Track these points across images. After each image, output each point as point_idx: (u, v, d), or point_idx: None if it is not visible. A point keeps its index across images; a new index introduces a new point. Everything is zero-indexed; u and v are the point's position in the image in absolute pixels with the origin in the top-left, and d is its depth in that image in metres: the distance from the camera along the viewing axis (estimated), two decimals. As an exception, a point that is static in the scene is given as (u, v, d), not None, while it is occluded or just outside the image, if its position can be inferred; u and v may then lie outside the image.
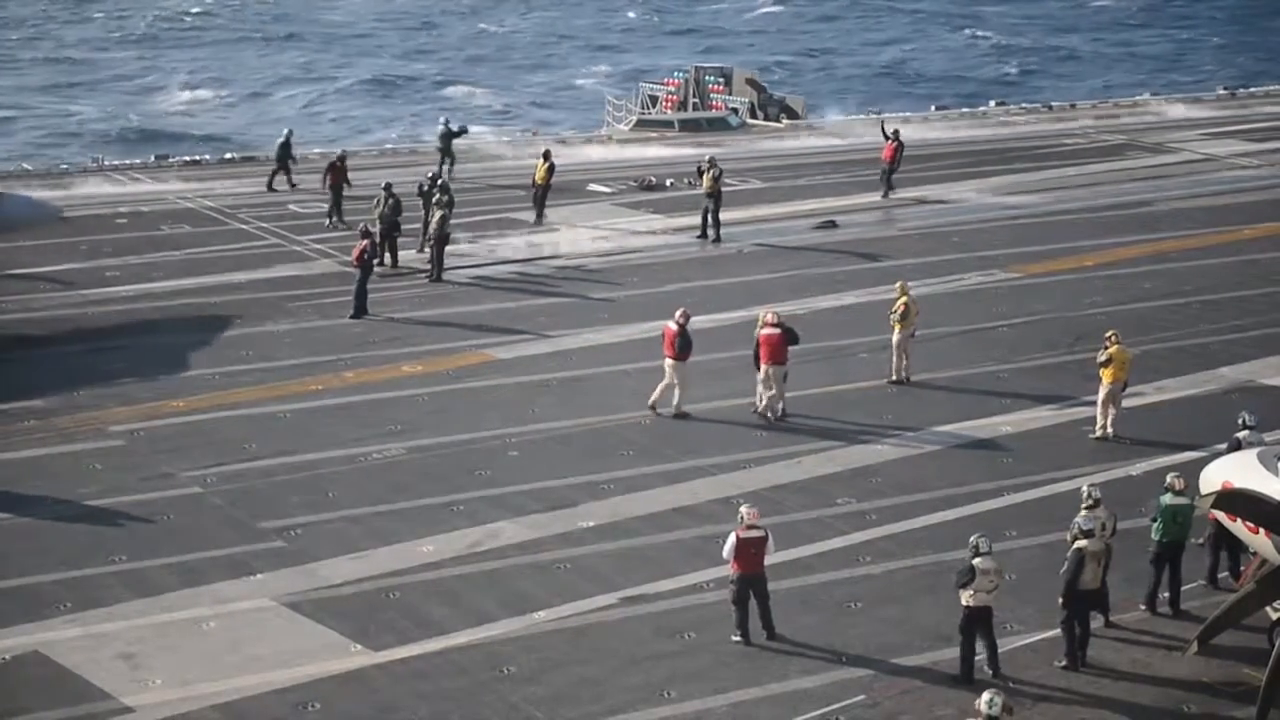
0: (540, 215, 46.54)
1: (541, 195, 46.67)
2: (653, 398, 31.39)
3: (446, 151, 51.33)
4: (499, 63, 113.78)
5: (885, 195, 51.06)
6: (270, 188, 48.86)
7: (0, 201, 39.19)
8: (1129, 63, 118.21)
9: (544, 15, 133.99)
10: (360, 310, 37.23)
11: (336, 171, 45.40)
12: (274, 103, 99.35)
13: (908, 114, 68.84)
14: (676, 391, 31.32)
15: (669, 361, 31.35)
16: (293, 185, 48.97)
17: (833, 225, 46.62)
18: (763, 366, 31.16)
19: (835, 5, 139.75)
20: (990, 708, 18.39)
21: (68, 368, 33.63)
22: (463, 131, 53.13)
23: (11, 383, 32.43)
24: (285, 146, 49.57)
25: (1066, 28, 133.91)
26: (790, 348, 31.38)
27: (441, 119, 54.90)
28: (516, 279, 41.22)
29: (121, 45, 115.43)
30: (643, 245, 44.68)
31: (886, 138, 51.62)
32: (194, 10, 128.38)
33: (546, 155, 47.12)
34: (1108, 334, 31.18)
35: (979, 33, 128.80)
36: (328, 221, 44.89)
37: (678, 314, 31.54)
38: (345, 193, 45.01)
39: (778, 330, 31.07)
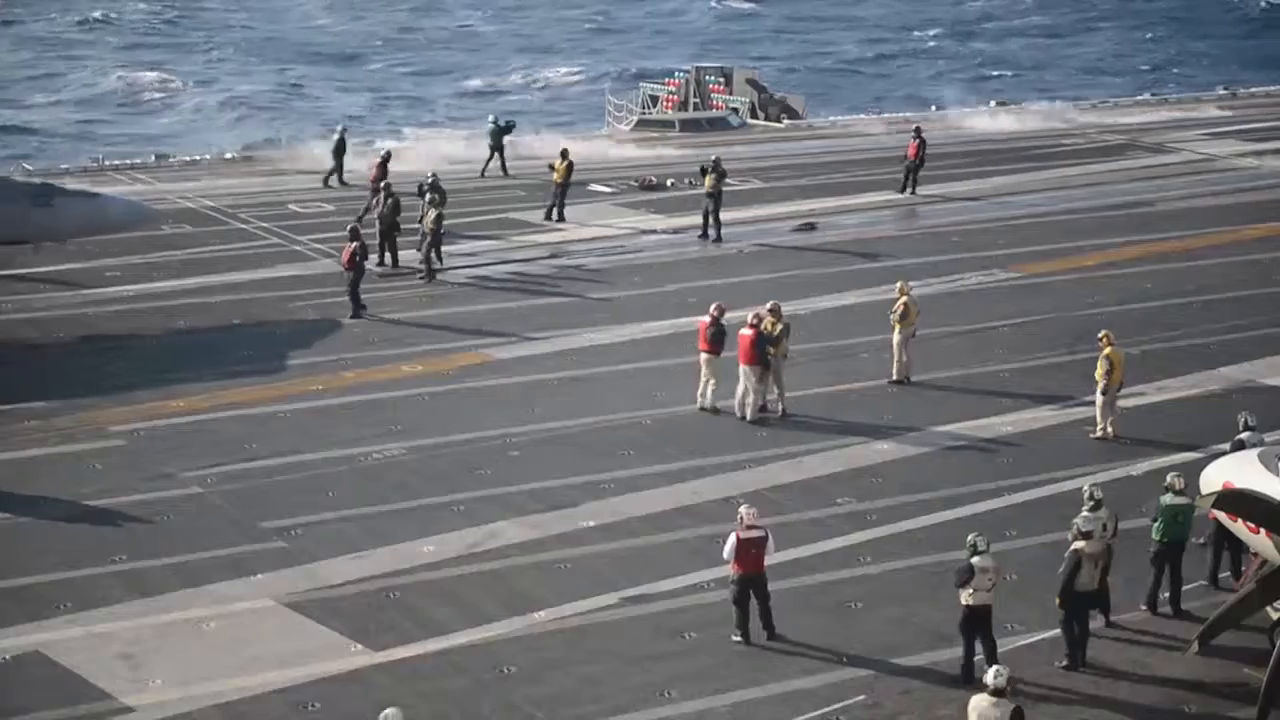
0: (559, 212, 46.74)
1: (561, 193, 46.86)
2: (705, 401, 31.51)
3: (498, 148, 51.79)
4: (460, 64, 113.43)
5: (907, 191, 51.44)
6: (341, 183, 49.27)
7: (101, 203, 39.28)
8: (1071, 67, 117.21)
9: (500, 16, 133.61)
10: (358, 310, 37.21)
11: (380, 168, 45.82)
12: (232, 101, 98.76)
13: (908, 114, 68.81)
14: (710, 386, 31.50)
15: (704, 356, 31.47)
16: (327, 184, 49.19)
17: (812, 228, 46.46)
18: (740, 366, 31.21)
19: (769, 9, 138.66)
20: (997, 678, 18.67)
21: (68, 368, 33.65)
22: (511, 126, 53.39)
23: (12, 383, 32.45)
24: (341, 143, 50.02)
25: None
26: (776, 347, 31.47)
27: (490, 116, 55.22)
28: (516, 279, 41.23)
29: (51, 46, 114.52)
30: (643, 245, 44.68)
31: (918, 136, 51.79)
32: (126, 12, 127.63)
33: (565, 154, 47.35)
34: (1100, 335, 31.08)
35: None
36: (366, 214, 45.23)
37: (712, 308, 31.68)
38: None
39: (751, 331, 31.03)
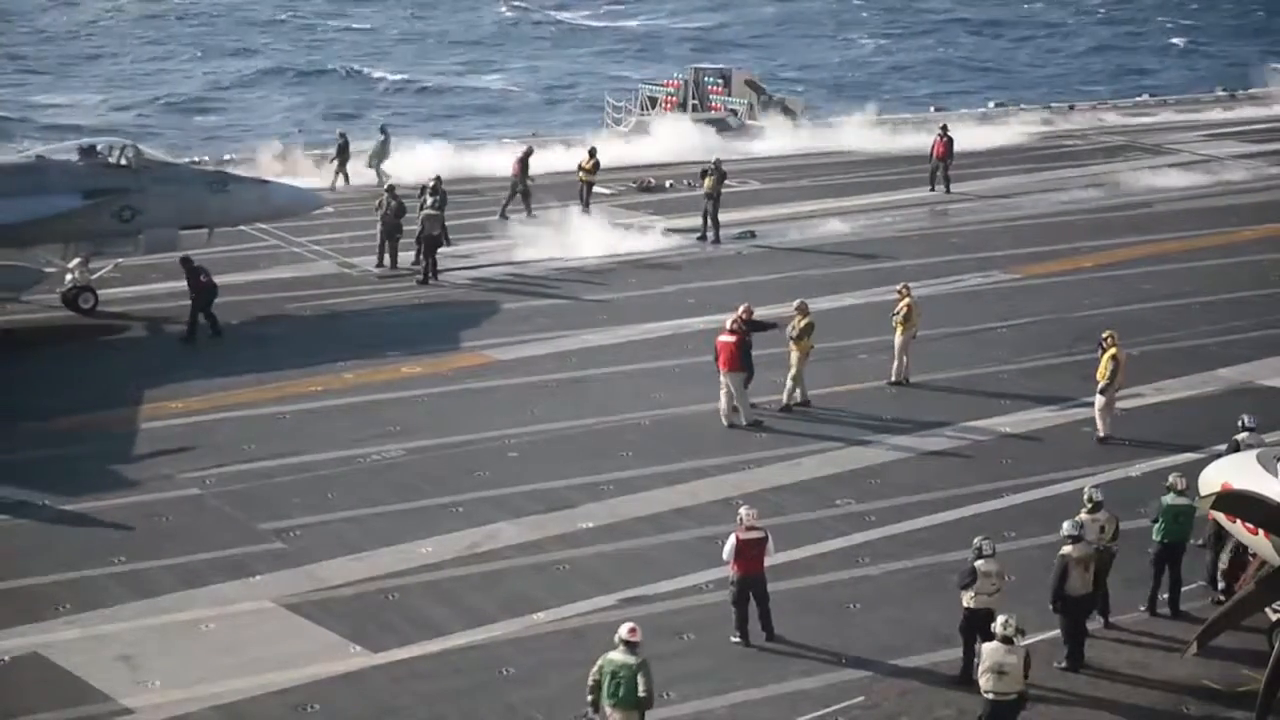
0: (585, 209, 47.15)
1: (587, 191, 47.44)
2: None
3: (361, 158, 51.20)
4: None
5: (947, 190, 51.87)
6: (341, 185, 49.42)
7: (271, 190, 39.92)
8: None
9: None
10: (192, 334, 35.67)
11: (521, 164, 46.75)
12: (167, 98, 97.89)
13: (907, 115, 68.80)
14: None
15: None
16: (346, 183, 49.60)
17: (751, 235, 46.20)
18: (721, 374, 31.13)
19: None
20: (1005, 628, 19.73)
21: (67, 368, 33.64)
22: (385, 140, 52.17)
23: (12, 383, 32.46)
24: (341, 147, 50.40)
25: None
26: (799, 344, 31.59)
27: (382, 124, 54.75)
28: (515, 280, 41.25)
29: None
30: (642, 246, 44.66)
31: (944, 136, 52.08)
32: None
33: (593, 152, 47.71)
34: (1104, 335, 31.05)
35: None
36: (499, 215, 46.64)
37: (740, 310, 31.65)
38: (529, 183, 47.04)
39: (732, 338, 30.91)
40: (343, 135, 51.80)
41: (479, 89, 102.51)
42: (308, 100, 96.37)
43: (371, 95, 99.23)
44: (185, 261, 36.31)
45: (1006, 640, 19.72)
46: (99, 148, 37.73)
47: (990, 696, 19.82)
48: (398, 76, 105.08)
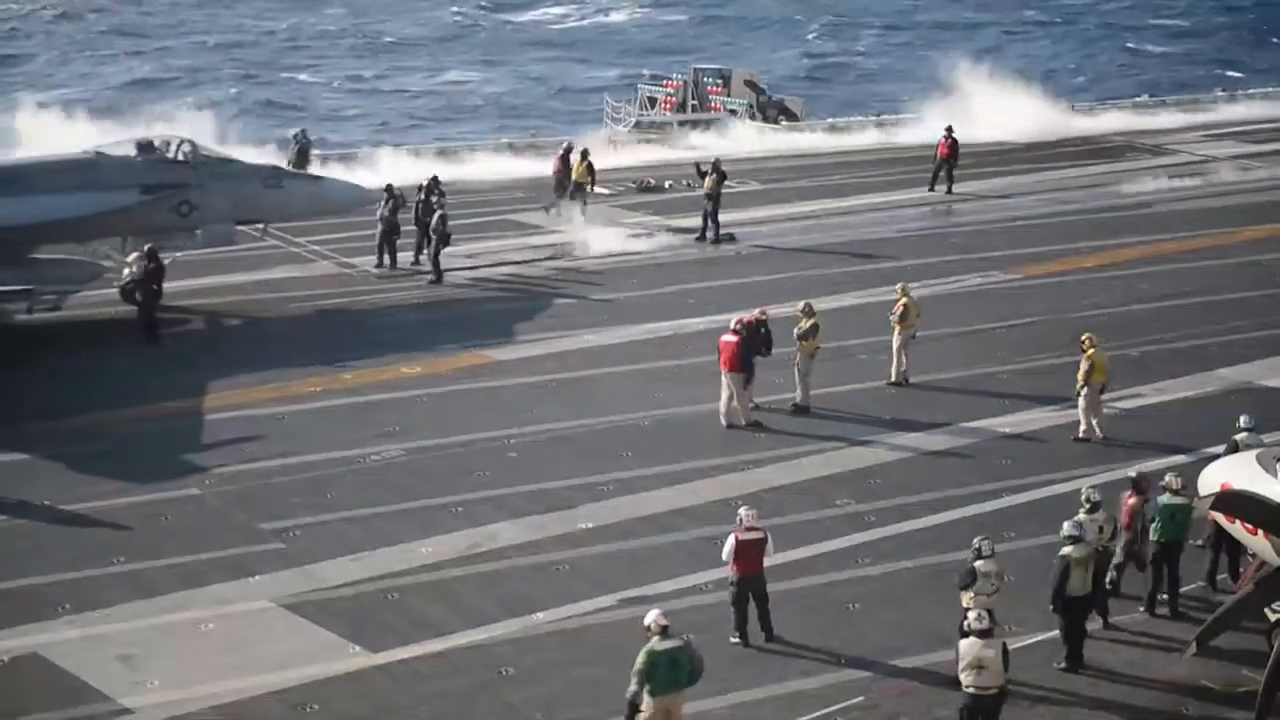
0: (583, 209, 47.11)
1: (580, 193, 47.29)
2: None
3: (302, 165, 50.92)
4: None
5: (949, 190, 51.91)
6: None
7: (325, 185, 40.30)
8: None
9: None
10: (153, 335, 35.46)
11: (561, 160, 47.10)
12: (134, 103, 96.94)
13: (905, 115, 68.73)
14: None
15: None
16: None
17: (731, 239, 46.18)
18: (723, 374, 31.14)
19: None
20: (979, 621, 19.64)
21: (68, 368, 33.63)
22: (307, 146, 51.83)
23: (12, 384, 32.46)
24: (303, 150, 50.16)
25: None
26: (804, 344, 31.65)
27: (296, 130, 54.13)
28: (516, 280, 41.28)
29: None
30: (641, 247, 44.66)
31: (949, 137, 52.23)
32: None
33: (585, 154, 47.75)
34: (1083, 337, 31.08)
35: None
36: (552, 208, 47.05)
37: (756, 312, 31.85)
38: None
39: (734, 338, 30.93)
40: (298, 137, 51.55)
41: (441, 92, 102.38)
42: (252, 99, 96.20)
43: (335, 99, 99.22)
44: (153, 254, 35.88)
45: (981, 634, 19.56)
46: (157, 143, 38.23)
47: (971, 691, 19.72)
48: (366, 77, 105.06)
